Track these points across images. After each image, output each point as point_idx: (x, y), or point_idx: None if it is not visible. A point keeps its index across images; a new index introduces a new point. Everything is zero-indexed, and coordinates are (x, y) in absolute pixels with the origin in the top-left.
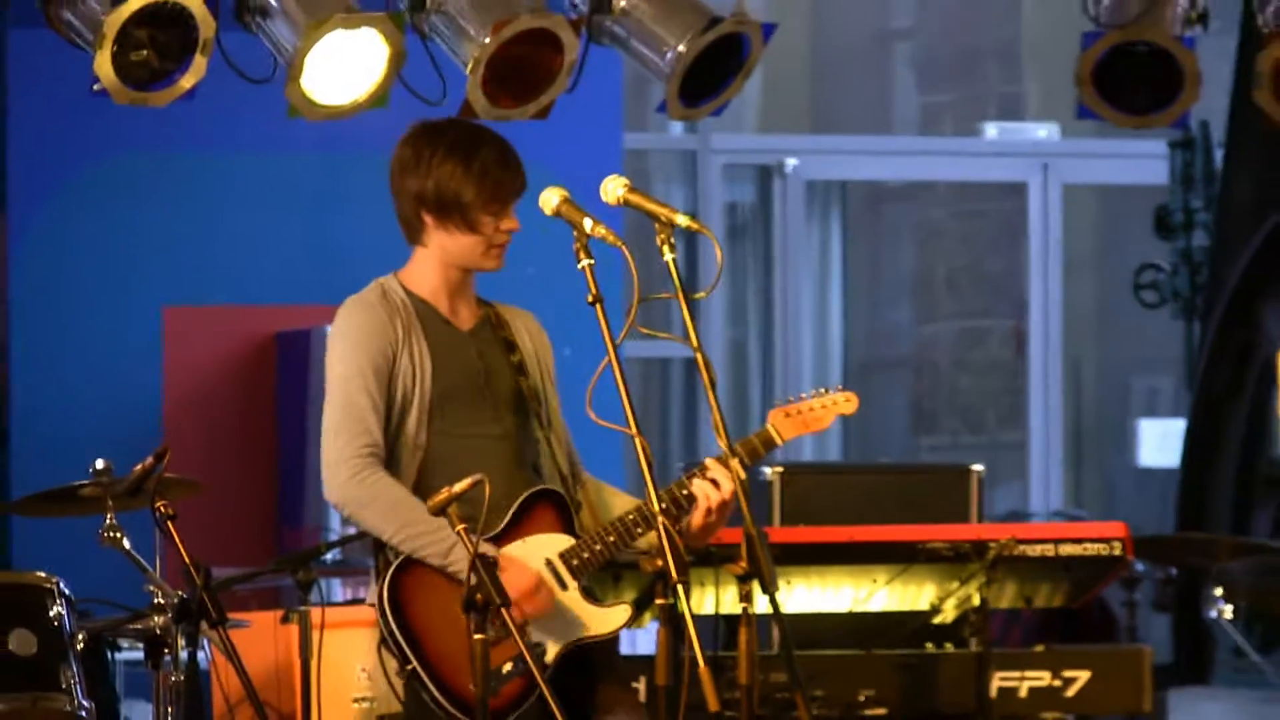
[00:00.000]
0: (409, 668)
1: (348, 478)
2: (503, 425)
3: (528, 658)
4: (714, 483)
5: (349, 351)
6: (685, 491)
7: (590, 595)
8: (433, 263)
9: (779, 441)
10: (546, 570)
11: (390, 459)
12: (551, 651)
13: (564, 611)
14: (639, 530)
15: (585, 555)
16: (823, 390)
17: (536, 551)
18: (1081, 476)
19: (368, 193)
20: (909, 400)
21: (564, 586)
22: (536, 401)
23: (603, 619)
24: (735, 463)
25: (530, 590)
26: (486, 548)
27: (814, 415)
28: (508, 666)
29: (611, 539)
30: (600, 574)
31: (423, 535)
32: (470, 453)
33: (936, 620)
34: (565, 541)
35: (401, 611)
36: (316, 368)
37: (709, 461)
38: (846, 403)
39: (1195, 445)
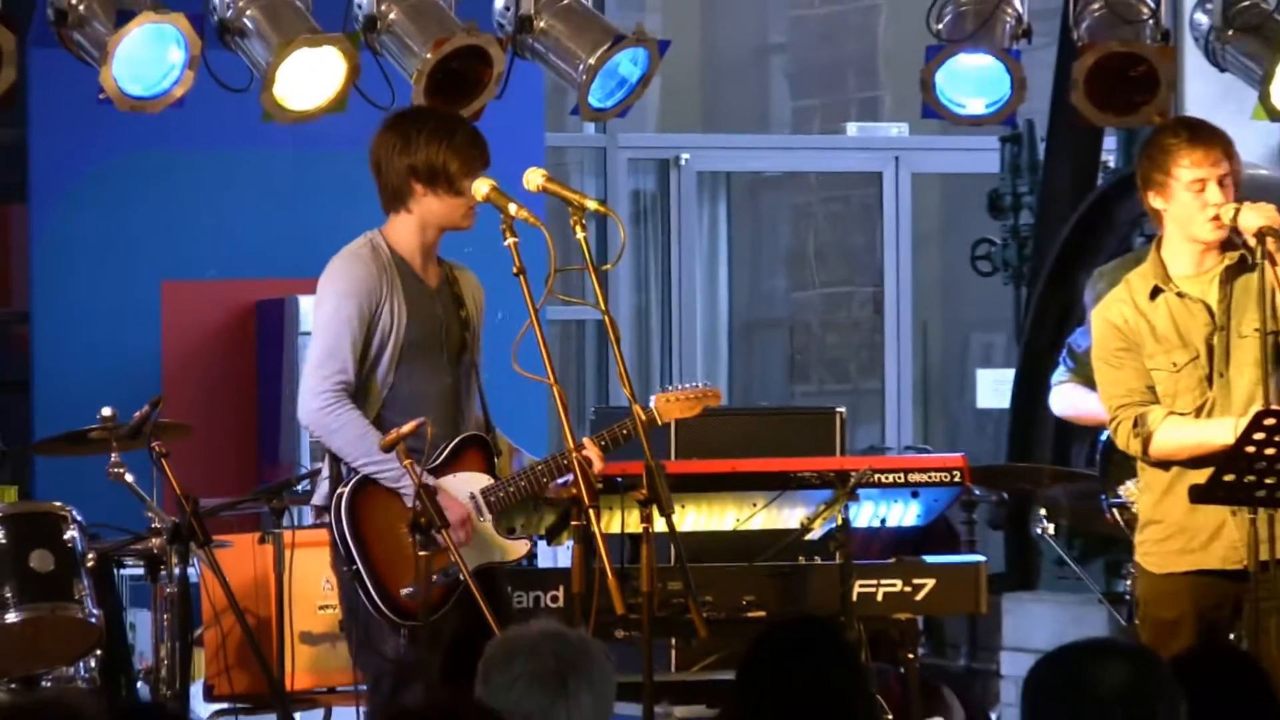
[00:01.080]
0: (352, 568)
1: (319, 407)
2: (451, 375)
3: (461, 566)
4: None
5: (341, 298)
6: (625, 432)
7: (500, 528)
8: (413, 226)
9: (659, 422)
10: (470, 503)
11: (359, 394)
12: (470, 567)
13: (481, 539)
14: (545, 480)
15: (501, 494)
16: (702, 383)
17: (464, 486)
18: (928, 417)
19: (331, 182)
20: (784, 355)
21: (482, 517)
22: (474, 354)
23: (510, 548)
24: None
25: (462, 519)
26: (427, 479)
27: (684, 404)
28: (434, 576)
29: (523, 484)
30: (524, 503)
31: (379, 463)
32: (423, 396)
33: (806, 537)
34: (486, 480)
35: (352, 521)
36: (290, 331)
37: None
38: (715, 395)
39: (1023, 390)
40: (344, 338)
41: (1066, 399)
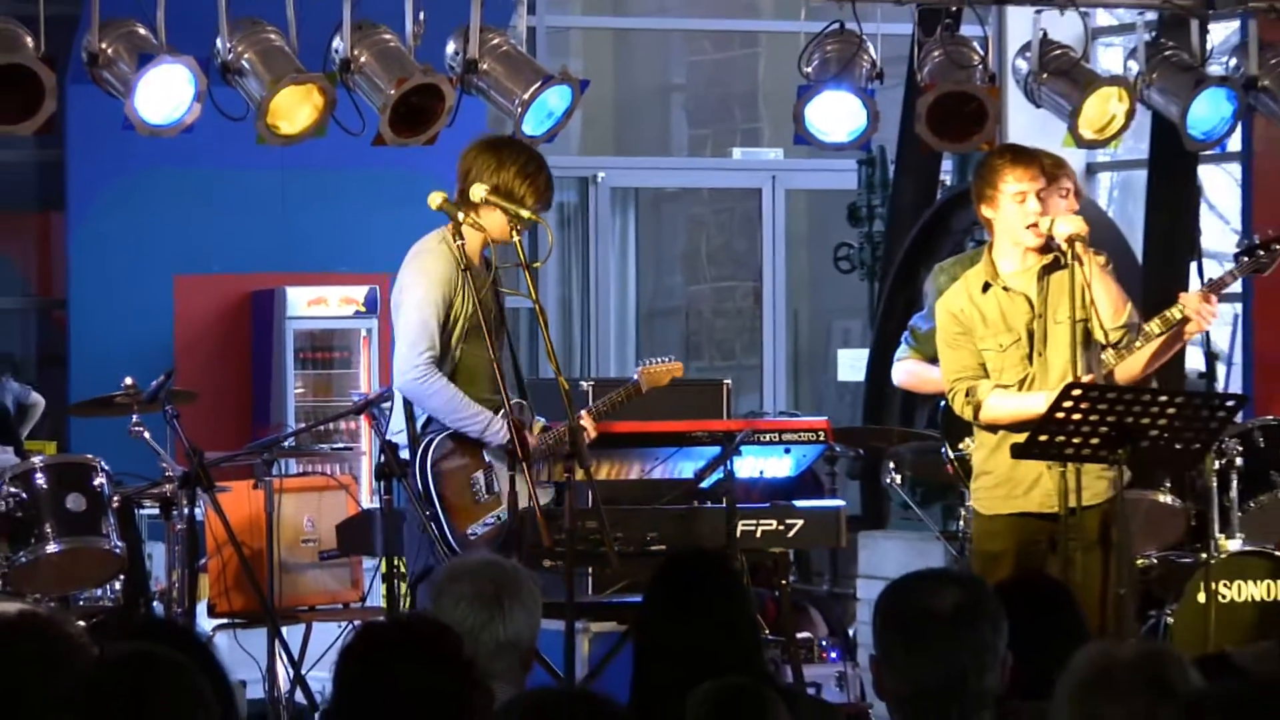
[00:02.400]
0: (429, 512)
1: (416, 379)
2: (495, 350)
3: (534, 492)
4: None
5: (428, 285)
6: (619, 398)
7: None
8: (478, 230)
9: (643, 390)
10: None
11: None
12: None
13: (522, 485)
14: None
15: (537, 455)
16: (669, 358)
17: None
18: (798, 388)
19: (313, 194)
20: (681, 337)
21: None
22: (508, 333)
23: (542, 494)
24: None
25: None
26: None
27: (660, 374)
28: (489, 518)
29: (550, 441)
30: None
31: (468, 420)
32: (480, 367)
33: (699, 485)
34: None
35: (435, 474)
36: (279, 315)
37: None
38: (678, 368)
39: (875, 367)
40: (431, 321)
41: (907, 371)
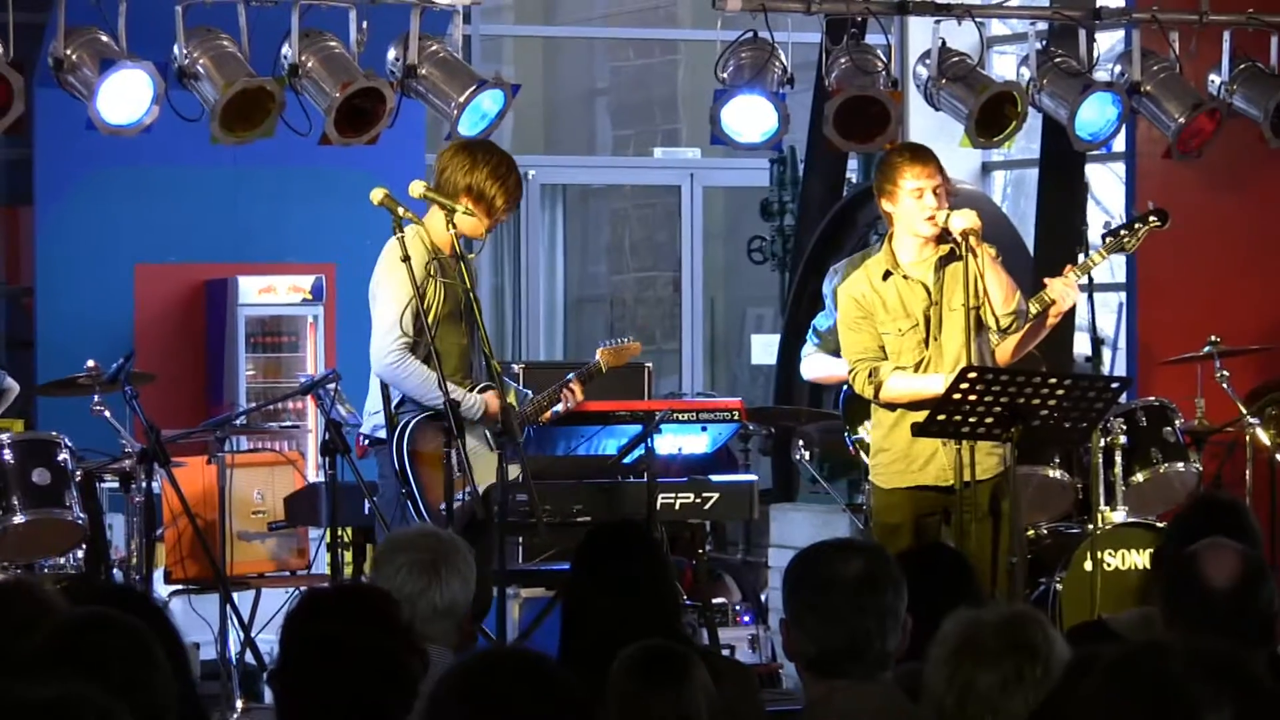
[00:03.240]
0: (405, 489)
1: (391, 363)
2: (467, 336)
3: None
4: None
5: (400, 276)
6: (593, 371)
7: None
8: (443, 222)
9: (603, 369)
10: (482, 440)
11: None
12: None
13: (493, 461)
14: (540, 412)
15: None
16: (628, 339)
17: (482, 427)
18: (714, 371)
19: (262, 190)
20: (606, 323)
21: (490, 449)
22: (478, 319)
23: (510, 470)
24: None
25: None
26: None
27: (619, 354)
28: (459, 495)
29: (521, 421)
30: None
31: (440, 398)
32: (447, 353)
33: (624, 460)
34: (495, 423)
35: (411, 452)
36: (232, 302)
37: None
38: (636, 347)
39: (786, 351)
40: (405, 308)
41: (813, 366)
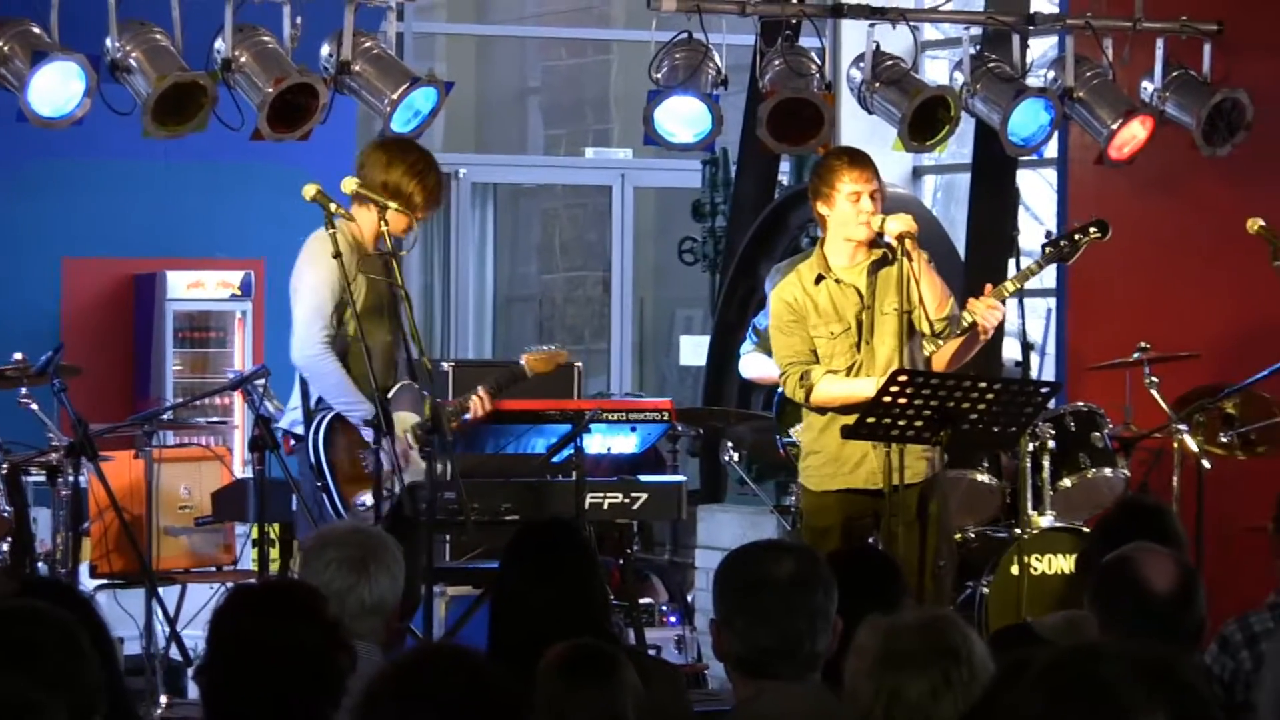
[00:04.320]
0: (321, 484)
1: (312, 355)
2: (390, 334)
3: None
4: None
5: (319, 271)
6: (503, 381)
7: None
8: (371, 220)
9: (528, 375)
10: (408, 436)
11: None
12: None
13: (415, 463)
14: (457, 416)
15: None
16: (554, 346)
17: (404, 422)
18: (644, 371)
19: (194, 185)
20: (536, 322)
21: (413, 447)
22: (402, 317)
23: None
24: (425, 360)
25: (403, 453)
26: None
27: (542, 360)
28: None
29: (443, 420)
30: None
31: (351, 406)
32: (373, 349)
33: (553, 460)
34: (415, 418)
35: (328, 448)
36: (160, 297)
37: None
38: (562, 355)
39: (715, 352)
40: (326, 304)
41: (751, 365)
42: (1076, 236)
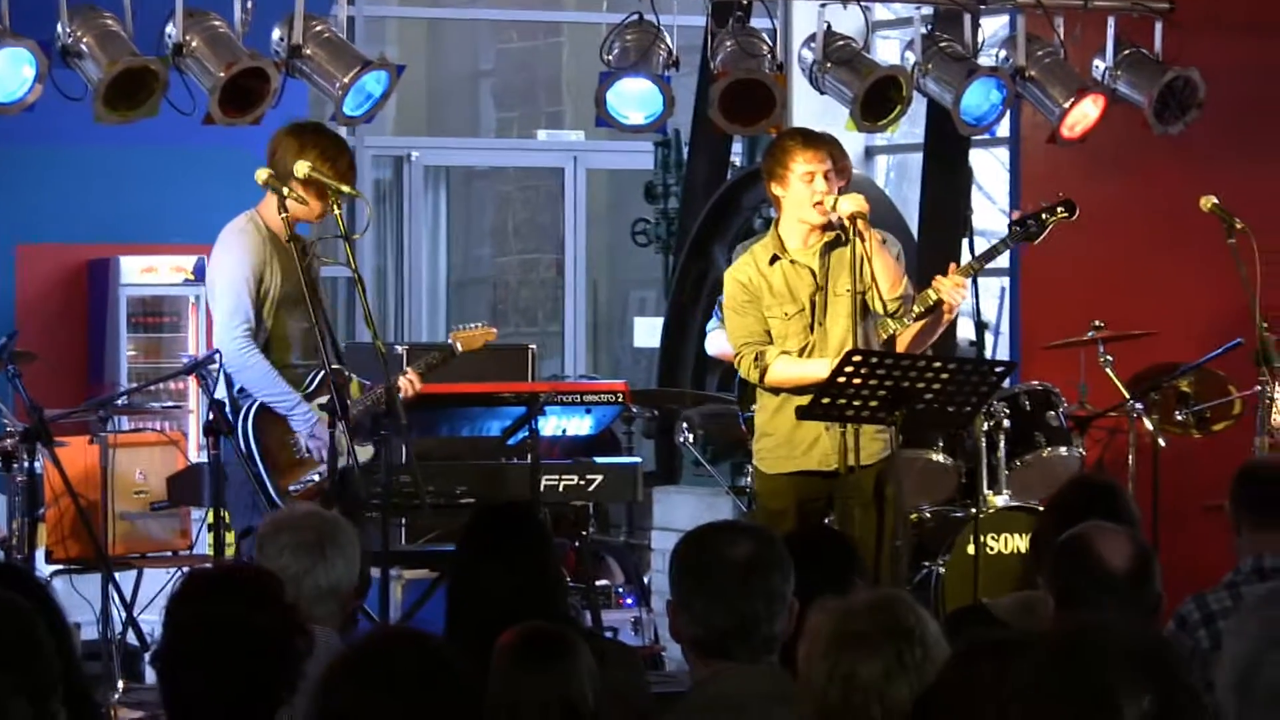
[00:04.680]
0: (254, 470)
1: (236, 350)
2: (309, 319)
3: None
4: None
5: (236, 263)
6: (434, 361)
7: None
8: (298, 202)
9: (458, 353)
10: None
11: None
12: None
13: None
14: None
15: (354, 413)
16: (481, 324)
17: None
18: (598, 354)
19: (145, 170)
20: (489, 305)
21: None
22: (324, 303)
23: (361, 452)
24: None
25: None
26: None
27: (472, 338)
28: (308, 476)
29: (367, 404)
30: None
31: (276, 397)
32: (292, 336)
33: (509, 442)
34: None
35: (256, 435)
36: (114, 283)
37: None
38: (491, 333)
39: (669, 334)
40: (244, 295)
41: (716, 342)
42: (1044, 216)
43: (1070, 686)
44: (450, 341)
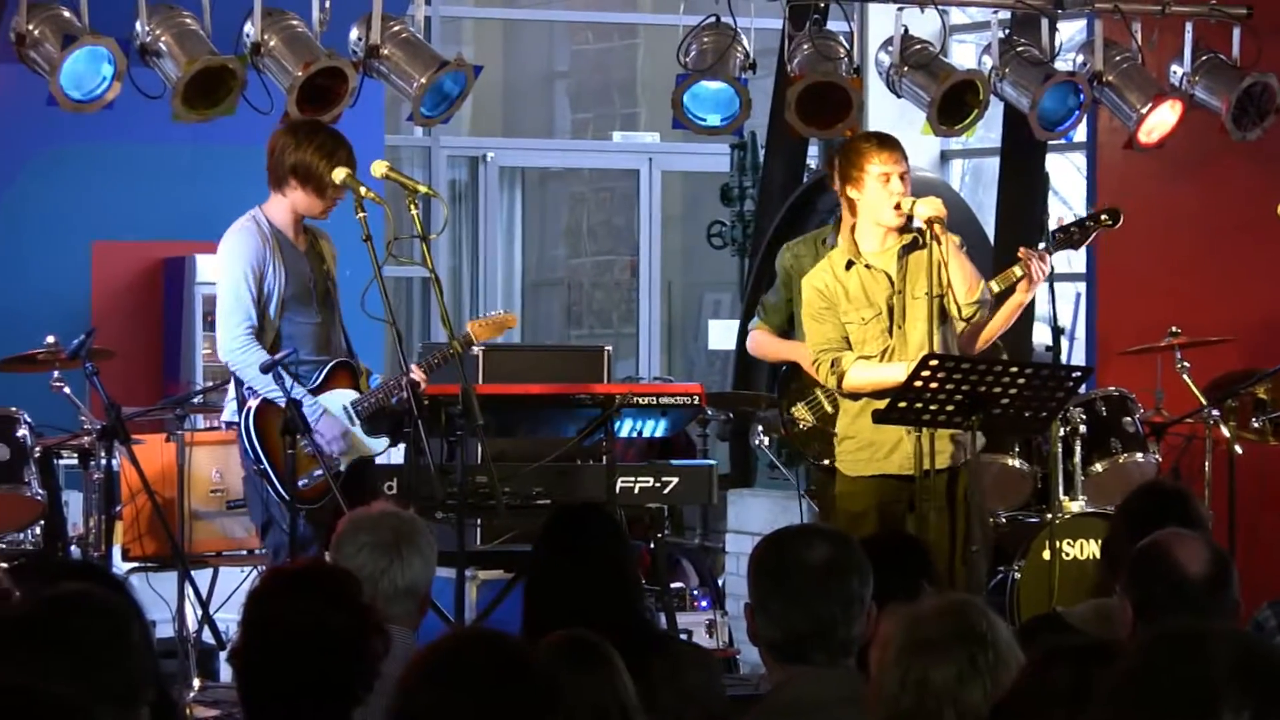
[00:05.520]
0: (260, 467)
1: (236, 349)
2: (320, 315)
3: (325, 471)
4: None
5: (237, 263)
6: (436, 359)
7: (366, 429)
8: (286, 205)
9: (474, 342)
10: (343, 414)
11: (258, 335)
12: (345, 463)
13: (354, 440)
14: (395, 391)
15: (365, 405)
16: (499, 311)
17: (338, 400)
18: (672, 355)
19: (222, 169)
20: (563, 306)
21: (354, 424)
22: (334, 299)
23: (374, 444)
24: (455, 343)
25: (342, 433)
26: (306, 398)
27: (487, 328)
28: (317, 471)
29: (380, 396)
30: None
31: (272, 389)
32: (300, 333)
33: (584, 444)
34: (353, 394)
35: (260, 432)
36: (189, 281)
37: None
38: (510, 319)
39: (744, 336)
40: (244, 294)
41: (756, 341)
42: (1088, 224)
43: (1171, 692)
44: (466, 330)
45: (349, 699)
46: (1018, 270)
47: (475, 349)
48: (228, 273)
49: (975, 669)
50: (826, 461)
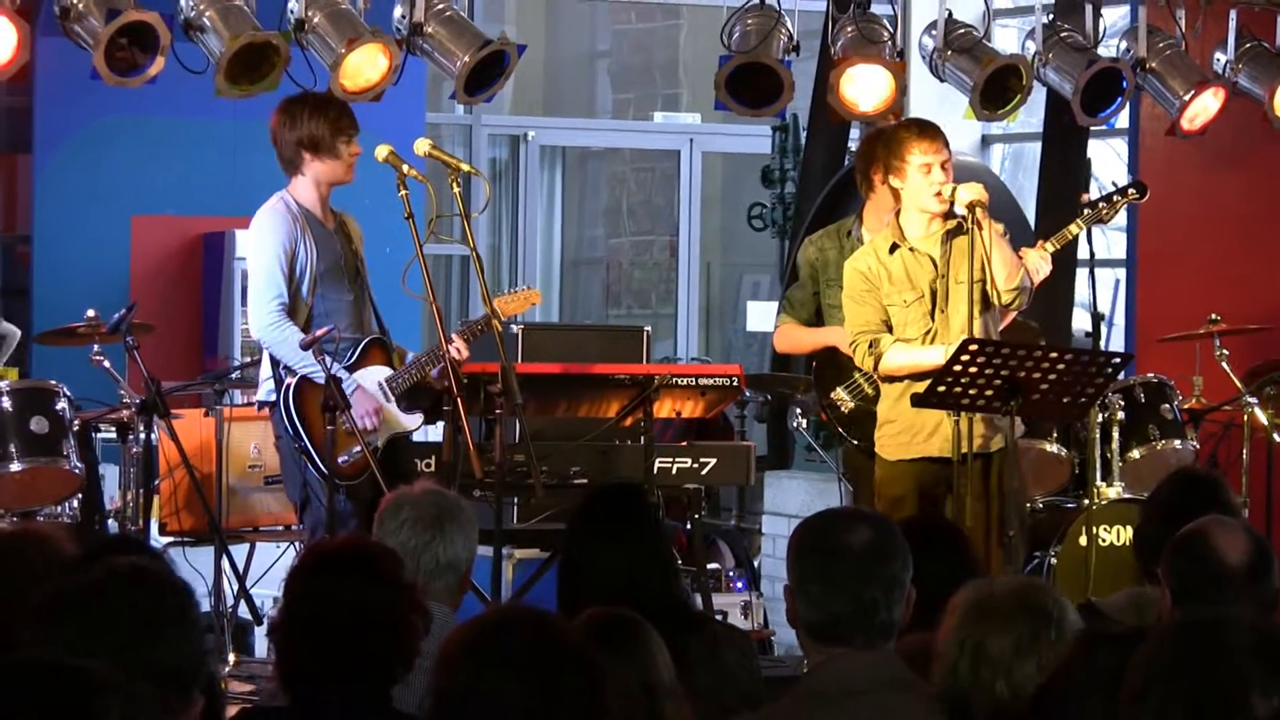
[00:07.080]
0: (299, 445)
1: (267, 324)
2: (352, 292)
3: (364, 447)
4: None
5: (268, 241)
6: (480, 327)
7: (401, 406)
8: (309, 184)
9: (502, 317)
10: (378, 390)
11: (291, 313)
12: (381, 440)
13: (388, 416)
14: (429, 368)
15: (399, 381)
16: (524, 286)
17: (372, 376)
18: (710, 336)
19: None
20: (602, 286)
21: (389, 400)
22: (364, 276)
23: (409, 421)
24: (495, 321)
25: (375, 409)
26: (341, 373)
27: (516, 302)
28: (356, 448)
29: (414, 372)
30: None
31: (313, 366)
32: (334, 311)
33: (622, 424)
34: (387, 371)
35: (299, 409)
36: (229, 256)
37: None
38: (534, 295)
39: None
40: (275, 272)
41: (784, 336)
42: (1115, 198)
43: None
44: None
45: (389, 676)
46: (1073, 229)
47: (513, 327)
48: (259, 251)
49: (1035, 642)
50: (856, 443)
